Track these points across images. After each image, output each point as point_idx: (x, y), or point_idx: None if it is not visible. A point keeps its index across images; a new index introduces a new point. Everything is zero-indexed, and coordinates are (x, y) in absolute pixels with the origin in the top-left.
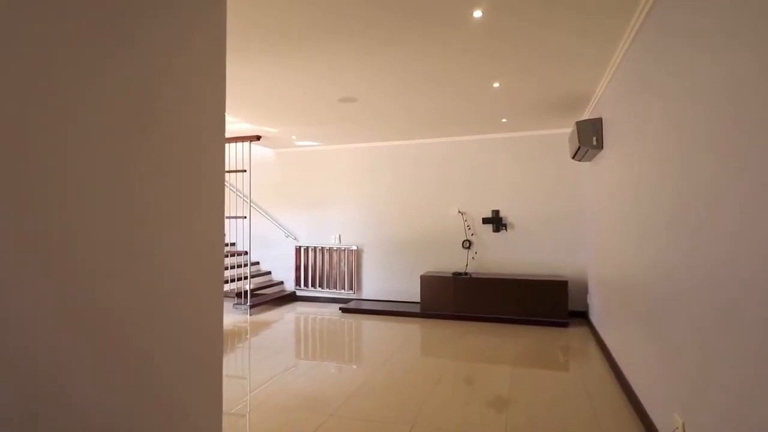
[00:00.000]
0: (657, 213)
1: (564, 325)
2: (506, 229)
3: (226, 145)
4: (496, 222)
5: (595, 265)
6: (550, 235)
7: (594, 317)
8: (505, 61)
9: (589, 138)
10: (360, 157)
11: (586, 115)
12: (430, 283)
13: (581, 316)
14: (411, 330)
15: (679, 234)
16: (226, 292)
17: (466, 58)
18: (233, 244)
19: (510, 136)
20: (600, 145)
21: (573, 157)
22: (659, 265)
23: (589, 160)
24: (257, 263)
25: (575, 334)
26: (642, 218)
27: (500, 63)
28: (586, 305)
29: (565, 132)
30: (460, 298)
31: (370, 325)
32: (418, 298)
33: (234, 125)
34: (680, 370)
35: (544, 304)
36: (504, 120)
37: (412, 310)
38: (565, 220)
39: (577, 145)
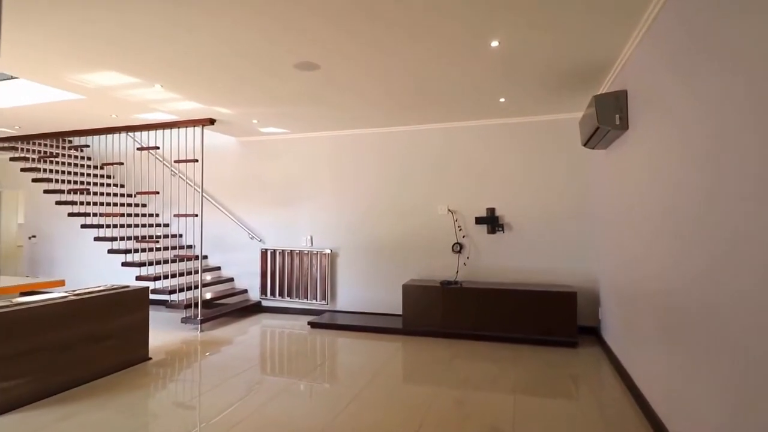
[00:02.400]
0: (716, 210)
1: (573, 345)
2: (503, 230)
3: (174, 130)
4: (491, 222)
5: (610, 274)
6: (555, 237)
7: (608, 335)
8: (508, 7)
9: (611, 116)
10: (334, 147)
11: (603, 90)
12: (414, 293)
13: (590, 333)
14: (391, 351)
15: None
16: (175, 302)
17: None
18: (190, 247)
19: (509, 122)
20: (624, 125)
21: (585, 144)
22: (714, 276)
23: (605, 147)
24: (218, 268)
25: (586, 355)
26: (692, 217)
27: (503, 11)
28: (597, 320)
29: (573, 117)
30: (450, 312)
31: (343, 343)
32: (399, 309)
33: (177, 103)
34: (728, 401)
35: (548, 319)
36: (502, 99)
37: (393, 325)
38: (573, 220)
39: (594, 126)
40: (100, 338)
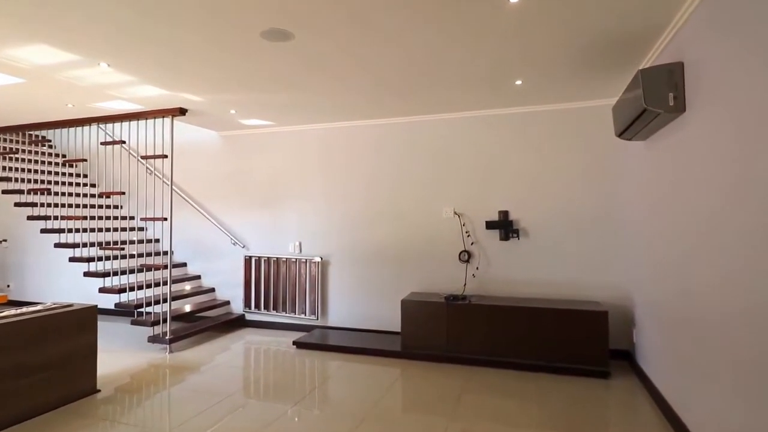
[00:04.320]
0: None
1: (604, 375)
2: (518, 236)
3: (142, 121)
4: (504, 227)
5: (650, 290)
6: (580, 245)
7: (647, 363)
8: None
9: (662, 95)
10: (324, 142)
11: (648, 64)
12: (414, 310)
13: (622, 357)
14: (388, 381)
15: None
16: (141, 319)
17: None
18: (167, 253)
19: (526, 111)
20: (680, 106)
21: (621, 134)
22: None
23: (644, 138)
24: (198, 277)
25: (621, 389)
26: None
27: None
28: (631, 343)
29: (602, 104)
30: (456, 333)
31: (333, 369)
32: (398, 327)
33: (136, 88)
34: None
35: (574, 343)
36: (519, 82)
37: (390, 347)
38: (601, 225)
39: (638, 109)
40: (30, 370)
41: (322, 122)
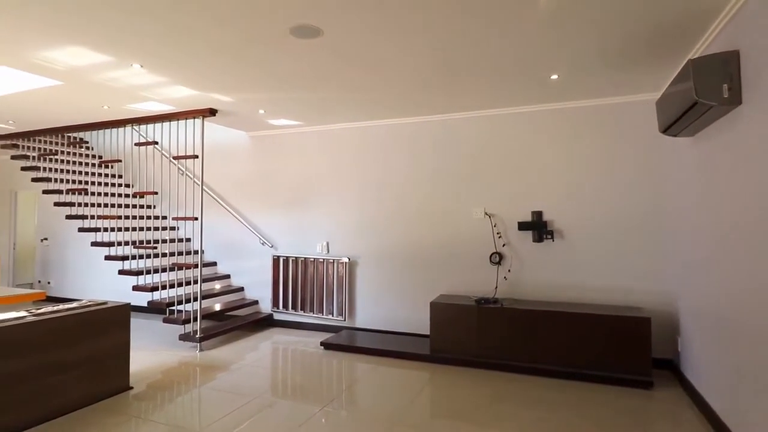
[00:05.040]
0: None
1: (646, 385)
2: (552, 238)
3: (174, 122)
4: (538, 228)
5: (701, 298)
6: (620, 248)
7: (694, 374)
8: None
9: (716, 87)
10: (353, 141)
11: (697, 54)
12: (444, 312)
13: (665, 366)
14: (417, 385)
15: None
16: (173, 317)
17: None
18: (197, 252)
19: (561, 108)
20: (735, 99)
21: (666, 130)
22: None
23: (692, 134)
24: (227, 276)
25: (666, 401)
26: None
27: None
28: (675, 352)
29: (643, 99)
30: (487, 337)
31: (361, 372)
32: (427, 330)
33: (167, 89)
34: None
35: (614, 351)
36: (555, 77)
37: (419, 350)
38: (643, 227)
39: (688, 102)
40: (66, 367)
41: (350, 122)
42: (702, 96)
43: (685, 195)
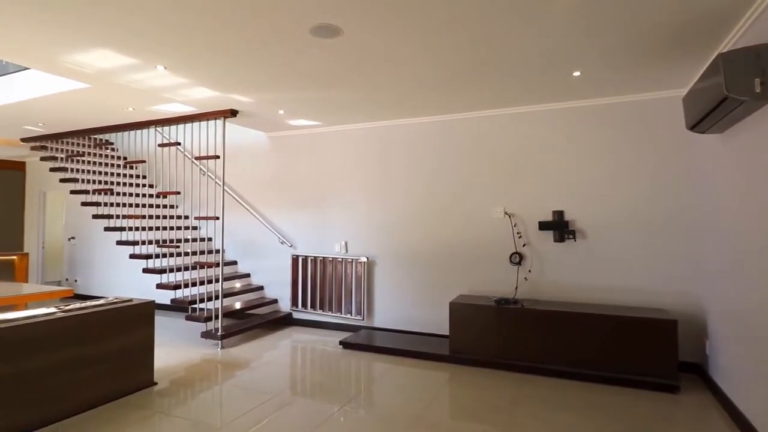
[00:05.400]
0: None
1: (672, 389)
2: (574, 238)
3: (196, 123)
4: (559, 228)
5: (728, 297)
6: (644, 249)
7: (723, 379)
8: None
9: (747, 81)
10: (371, 141)
11: (727, 46)
12: (463, 312)
13: (691, 370)
14: (437, 385)
15: None
16: (195, 315)
17: None
18: (218, 251)
19: (583, 105)
20: (767, 94)
21: (693, 127)
22: None
23: (721, 130)
24: (247, 275)
25: (693, 405)
26: None
27: None
28: (703, 356)
29: (669, 96)
30: (507, 338)
31: (380, 371)
32: (446, 330)
33: (189, 90)
34: None
35: (637, 353)
36: (577, 73)
37: (438, 350)
38: (669, 227)
39: (718, 97)
40: (92, 362)
41: (369, 121)
42: (732, 91)
43: (715, 195)
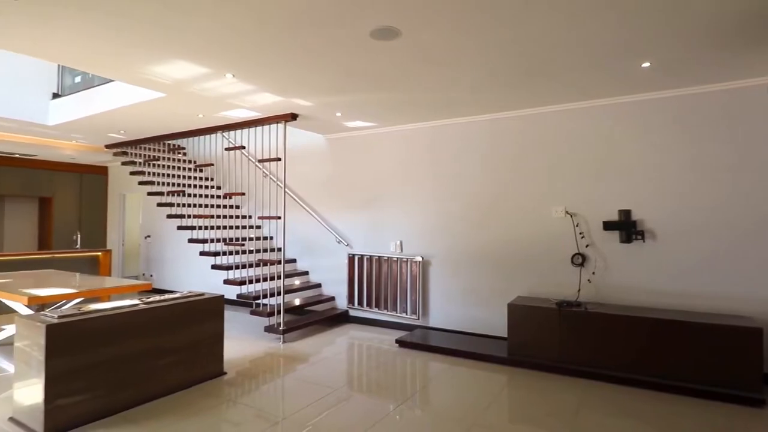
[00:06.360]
0: None
1: (757, 403)
2: (643, 238)
3: (258, 128)
4: (626, 228)
5: None
6: (724, 251)
7: None
8: None
9: None
10: (425, 141)
11: None
12: (522, 314)
13: None
14: (495, 387)
15: None
16: (259, 309)
17: None
18: (279, 250)
19: (653, 98)
20: None
21: None
22: None
23: None
24: (306, 273)
25: None
26: None
27: None
28: None
29: (753, 84)
30: (569, 342)
31: (436, 370)
32: (503, 332)
33: (254, 96)
34: None
35: (716, 362)
36: (646, 65)
37: (495, 352)
38: (753, 228)
39: None
40: (170, 351)
41: (424, 121)
42: None
43: None
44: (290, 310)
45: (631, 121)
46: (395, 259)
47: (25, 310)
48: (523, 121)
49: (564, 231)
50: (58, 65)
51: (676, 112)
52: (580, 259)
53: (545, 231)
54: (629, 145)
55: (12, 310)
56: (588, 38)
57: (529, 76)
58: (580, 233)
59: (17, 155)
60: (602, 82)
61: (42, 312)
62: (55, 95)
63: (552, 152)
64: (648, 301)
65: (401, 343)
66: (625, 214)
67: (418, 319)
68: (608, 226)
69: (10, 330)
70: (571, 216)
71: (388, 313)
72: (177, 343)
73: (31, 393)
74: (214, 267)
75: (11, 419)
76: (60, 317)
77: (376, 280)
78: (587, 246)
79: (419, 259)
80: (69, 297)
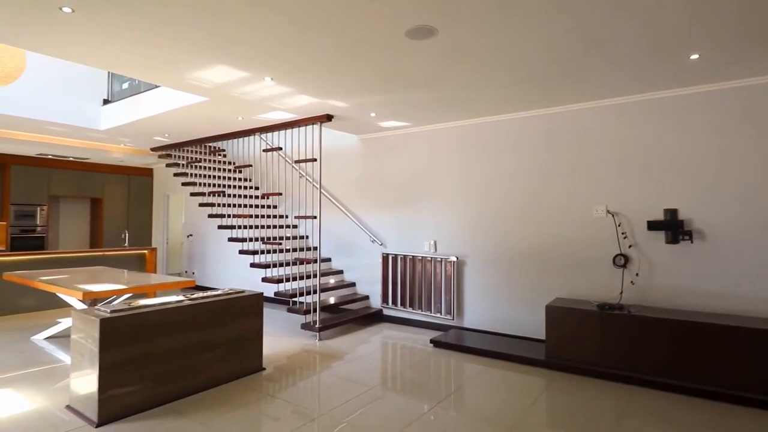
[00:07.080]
0: None
1: None
2: (690, 239)
3: (294, 129)
4: (672, 228)
5: None
6: None
7: None
8: None
9: None
10: (460, 140)
11: None
12: (561, 316)
13: None
14: (533, 391)
15: None
16: (296, 307)
17: None
18: (315, 249)
19: (700, 91)
20: None
21: None
22: None
23: None
24: (341, 272)
25: None
26: None
27: None
28: None
29: None
30: (611, 346)
31: (471, 372)
32: (541, 334)
33: (291, 98)
34: None
35: (765, 369)
36: (695, 56)
37: (533, 354)
38: None
39: None
40: (213, 346)
41: (458, 120)
42: None
43: None
44: (325, 308)
45: (677, 115)
46: (429, 258)
47: (79, 305)
48: (559, 117)
49: (605, 231)
50: (108, 72)
51: (723, 106)
52: (622, 260)
53: (584, 231)
54: (675, 142)
55: (66, 304)
56: (632, 28)
57: (568, 72)
58: (623, 233)
59: (71, 158)
60: (647, 76)
61: (95, 306)
62: (105, 101)
63: (592, 149)
64: (695, 304)
65: (436, 343)
66: (671, 213)
67: (453, 319)
68: (653, 226)
69: (65, 323)
70: (613, 215)
71: (423, 312)
72: (219, 338)
73: (86, 383)
74: (253, 265)
75: (68, 407)
76: (112, 312)
77: (410, 280)
78: (630, 246)
79: (454, 258)
80: (119, 293)
